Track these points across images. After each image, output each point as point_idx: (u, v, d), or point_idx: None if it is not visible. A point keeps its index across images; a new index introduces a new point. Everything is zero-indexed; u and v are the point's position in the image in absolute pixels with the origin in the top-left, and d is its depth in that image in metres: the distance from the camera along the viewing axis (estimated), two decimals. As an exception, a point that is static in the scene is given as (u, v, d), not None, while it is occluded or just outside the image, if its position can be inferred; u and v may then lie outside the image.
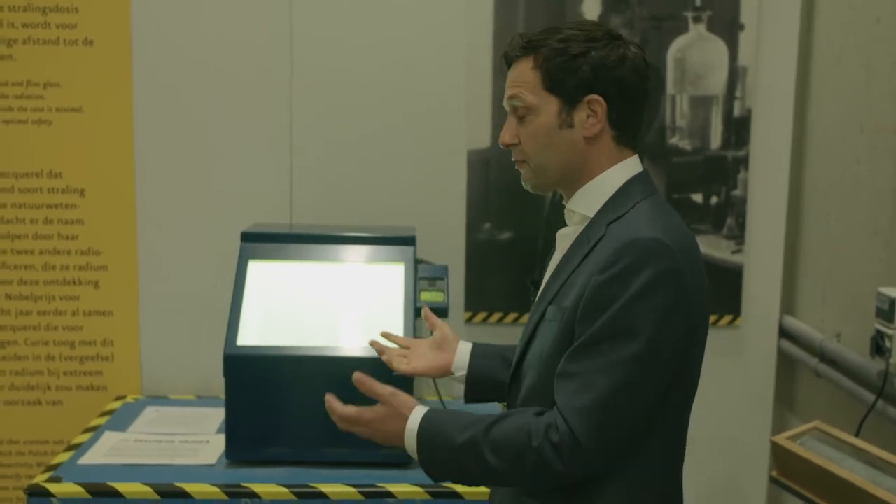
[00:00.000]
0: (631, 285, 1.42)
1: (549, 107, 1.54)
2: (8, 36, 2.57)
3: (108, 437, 2.34)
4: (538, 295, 1.65)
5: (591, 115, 1.54)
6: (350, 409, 1.63)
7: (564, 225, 1.65)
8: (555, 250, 1.68)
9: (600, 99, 1.54)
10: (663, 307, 1.42)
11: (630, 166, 1.59)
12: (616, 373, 1.42)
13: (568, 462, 1.43)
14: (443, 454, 1.52)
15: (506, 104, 1.61)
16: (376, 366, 2.15)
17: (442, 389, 2.41)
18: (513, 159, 1.64)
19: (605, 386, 1.42)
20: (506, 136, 1.61)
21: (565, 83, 1.53)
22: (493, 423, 1.49)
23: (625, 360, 1.42)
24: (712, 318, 2.37)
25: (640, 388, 1.44)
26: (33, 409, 2.69)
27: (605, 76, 1.54)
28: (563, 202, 1.65)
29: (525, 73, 1.56)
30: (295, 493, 2.07)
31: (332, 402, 1.66)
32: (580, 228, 1.58)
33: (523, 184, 1.65)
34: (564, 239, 1.63)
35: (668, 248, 1.44)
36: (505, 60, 1.62)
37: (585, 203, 1.57)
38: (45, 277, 2.66)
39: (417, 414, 1.56)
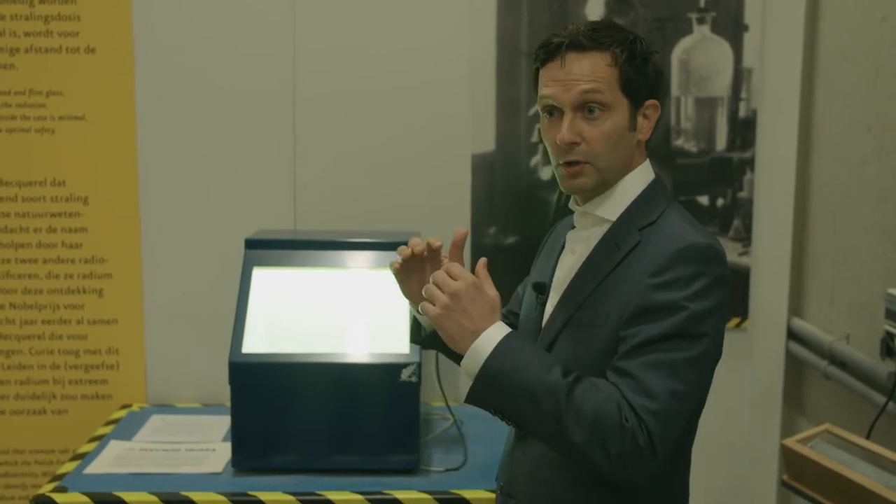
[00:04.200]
0: (690, 290, 1.41)
1: (623, 107, 1.50)
2: (10, 45, 2.57)
3: (114, 446, 2.33)
4: (551, 300, 1.61)
5: (646, 119, 1.54)
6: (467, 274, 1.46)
7: (572, 226, 1.64)
8: (559, 251, 1.65)
9: (657, 104, 1.55)
10: (718, 312, 1.44)
11: (648, 170, 1.59)
12: (678, 377, 1.39)
13: (641, 464, 1.36)
14: (511, 379, 1.40)
15: (570, 98, 1.47)
16: (382, 372, 2.15)
17: (448, 394, 2.40)
18: (565, 160, 1.50)
19: (668, 390, 1.38)
20: (569, 135, 1.47)
21: (638, 85, 1.50)
22: (578, 377, 1.39)
23: (687, 361, 1.40)
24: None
25: (695, 393, 1.44)
26: (39, 418, 2.69)
27: (660, 82, 1.56)
28: (576, 204, 1.60)
29: (601, 67, 1.47)
30: (302, 501, 2.06)
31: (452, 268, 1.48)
32: (596, 231, 1.56)
33: (567, 185, 1.53)
34: (578, 242, 1.60)
35: (721, 255, 1.45)
36: (564, 49, 1.48)
37: (607, 206, 1.55)
38: (49, 286, 2.65)
39: (503, 326, 1.44)
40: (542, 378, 1.39)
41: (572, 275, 1.56)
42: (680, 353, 1.40)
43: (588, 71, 1.47)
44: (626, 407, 1.37)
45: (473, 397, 1.45)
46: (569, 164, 1.50)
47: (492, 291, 1.47)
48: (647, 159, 1.59)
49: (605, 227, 1.55)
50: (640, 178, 1.57)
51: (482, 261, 1.50)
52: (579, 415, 1.36)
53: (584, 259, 1.55)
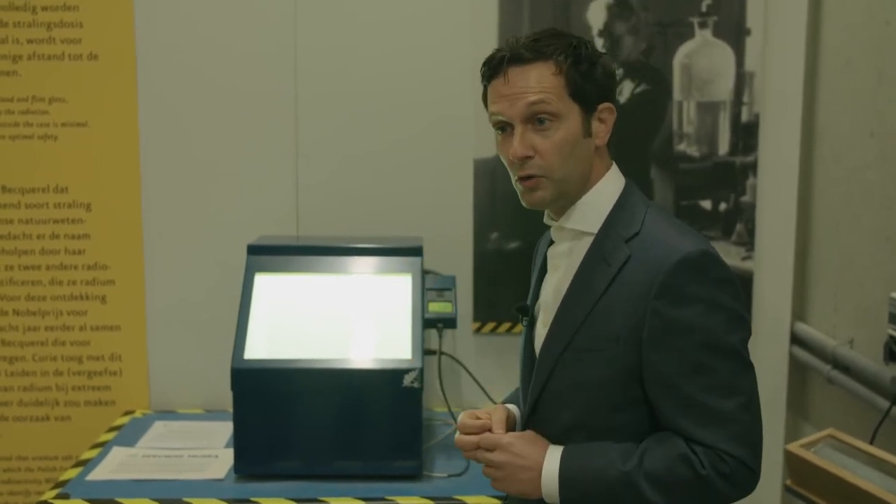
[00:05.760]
0: (702, 304, 1.41)
1: (574, 114, 1.48)
2: (13, 52, 2.58)
3: (117, 453, 2.33)
4: (542, 321, 1.59)
5: (602, 123, 1.52)
6: (496, 433, 1.55)
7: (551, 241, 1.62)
8: (546, 271, 1.63)
9: (612, 107, 1.53)
10: (734, 310, 1.45)
11: (617, 175, 1.57)
12: (737, 390, 1.43)
13: (743, 487, 1.45)
14: (591, 495, 1.46)
15: (517, 112, 1.47)
16: (385, 378, 2.14)
17: (450, 399, 2.40)
18: (521, 175, 1.49)
19: (735, 408, 1.43)
20: (521, 149, 1.47)
21: (587, 90, 1.49)
22: (641, 455, 1.44)
23: (734, 373, 1.44)
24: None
25: (755, 390, 1.47)
26: (42, 424, 2.69)
27: (612, 84, 1.54)
28: (551, 219, 1.59)
29: (546, 77, 1.47)
30: (304, 508, 2.06)
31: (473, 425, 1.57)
32: (576, 245, 1.54)
33: (527, 200, 1.53)
34: (559, 258, 1.57)
35: (715, 257, 1.45)
36: (506, 63, 1.49)
37: (582, 219, 1.53)
38: (52, 293, 2.66)
39: (553, 453, 1.50)
40: (612, 479, 1.43)
41: (561, 295, 1.53)
42: (724, 366, 1.42)
43: (533, 82, 1.47)
44: (692, 454, 1.41)
45: None
46: (525, 178, 1.50)
47: (518, 433, 1.55)
48: (613, 164, 1.57)
49: (585, 241, 1.53)
50: (611, 186, 1.55)
51: (496, 419, 1.57)
52: (656, 490, 1.42)
53: (570, 277, 1.53)
